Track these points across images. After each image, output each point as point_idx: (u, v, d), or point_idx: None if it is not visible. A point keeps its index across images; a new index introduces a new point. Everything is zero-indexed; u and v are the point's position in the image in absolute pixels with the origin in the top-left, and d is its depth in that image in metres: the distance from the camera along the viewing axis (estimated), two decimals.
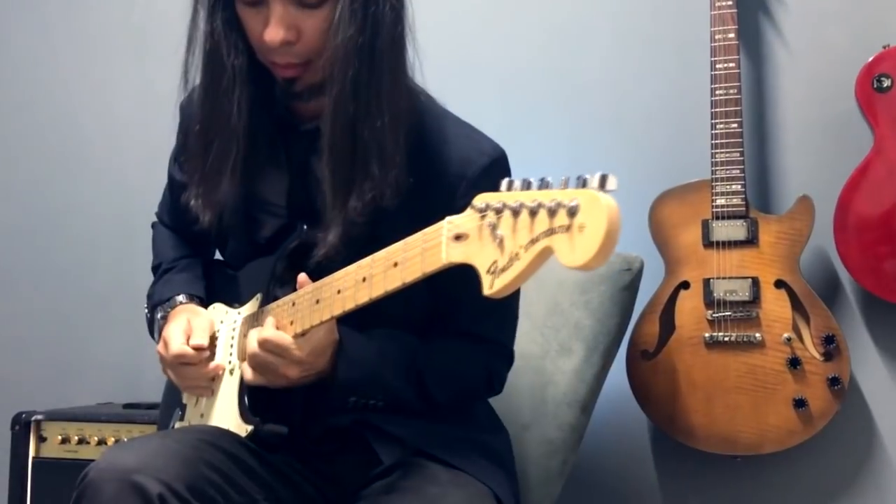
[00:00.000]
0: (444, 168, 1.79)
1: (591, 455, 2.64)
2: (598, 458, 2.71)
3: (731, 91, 2.47)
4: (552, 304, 2.34)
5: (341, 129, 1.72)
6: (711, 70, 2.49)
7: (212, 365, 1.88)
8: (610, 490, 2.76)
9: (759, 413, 2.45)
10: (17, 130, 3.41)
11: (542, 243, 1.27)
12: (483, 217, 1.36)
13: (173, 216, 2.14)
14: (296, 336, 1.71)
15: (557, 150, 2.77)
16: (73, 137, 3.35)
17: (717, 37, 2.49)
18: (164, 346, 1.88)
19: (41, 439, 2.72)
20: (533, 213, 1.28)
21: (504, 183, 1.35)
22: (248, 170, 1.84)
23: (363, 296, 1.60)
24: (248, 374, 1.76)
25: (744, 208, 2.47)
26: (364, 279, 1.59)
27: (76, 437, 2.70)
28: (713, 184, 2.48)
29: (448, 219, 1.43)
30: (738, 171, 2.46)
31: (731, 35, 2.48)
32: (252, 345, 1.73)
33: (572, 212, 1.23)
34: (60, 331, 3.32)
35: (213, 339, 1.91)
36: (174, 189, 2.09)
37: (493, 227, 1.33)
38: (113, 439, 2.67)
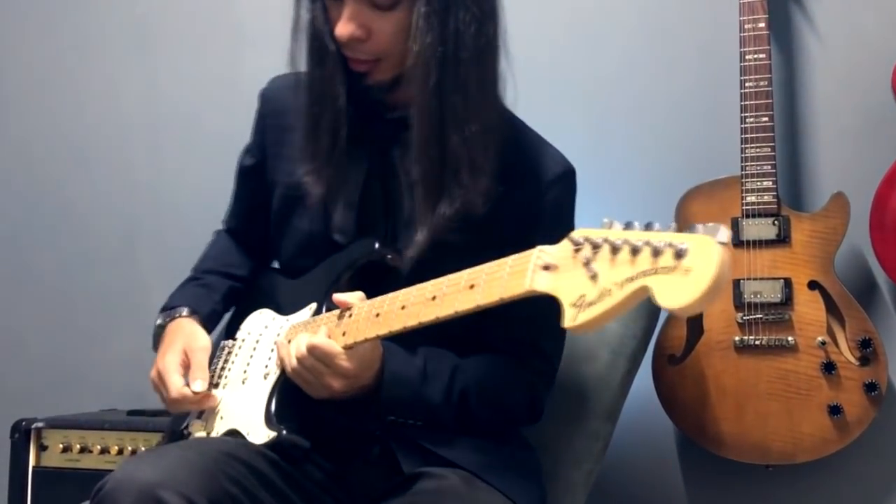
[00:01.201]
0: (524, 178, 1.87)
1: (616, 465, 2.61)
2: (623, 467, 2.70)
3: (762, 83, 2.45)
4: None
5: (429, 134, 1.79)
6: (741, 61, 2.47)
7: (207, 401, 1.92)
8: (636, 501, 2.75)
9: (792, 420, 2.44)
10: (18, 125, 3.42)
11: (639, 282, 1.27)
12: (578, 250, 1.37)
13: (239, 213, 2.19)
14: (346, 347, 1.73)
15: (578, 145, 2.75)
16: (75, 133, 3.35)
17: (746, 26, 2.47)
18: (161, 381, 1.92)
19: (42, 448, 2.70)
20: (635, 251, 1.29)
21: (605, 221, 1.37)
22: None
23: (429, 314, 1.60)
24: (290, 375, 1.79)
25: (775, 206, 2.45)
26: (434, 297, 1.60)
27: (78, 446, 2.68)
28: (743, 180, 2.46)
29: (540, 248, 1.44)
30: (769, 167, 2.44)
31: (762, 24, 2.46)
32: (301, 348, 1.75)
33: (680, 254, 1.24)
34: (62, 333, 3.31)
35: (252, 342, 1.96)
36: (245, 179, 2.15)
37: (588, 262, 1.34)
38: (117, 448, 2.66)
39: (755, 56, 2.45)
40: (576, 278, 1.34)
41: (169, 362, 1.91)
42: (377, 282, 1.80)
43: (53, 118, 3.36)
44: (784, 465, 2.48)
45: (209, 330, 2.02)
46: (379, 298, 1.71)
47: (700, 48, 2.74)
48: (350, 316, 1.74)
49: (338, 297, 1.77)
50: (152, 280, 3.12)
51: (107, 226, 3.29)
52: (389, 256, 1.85)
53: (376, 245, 1.86)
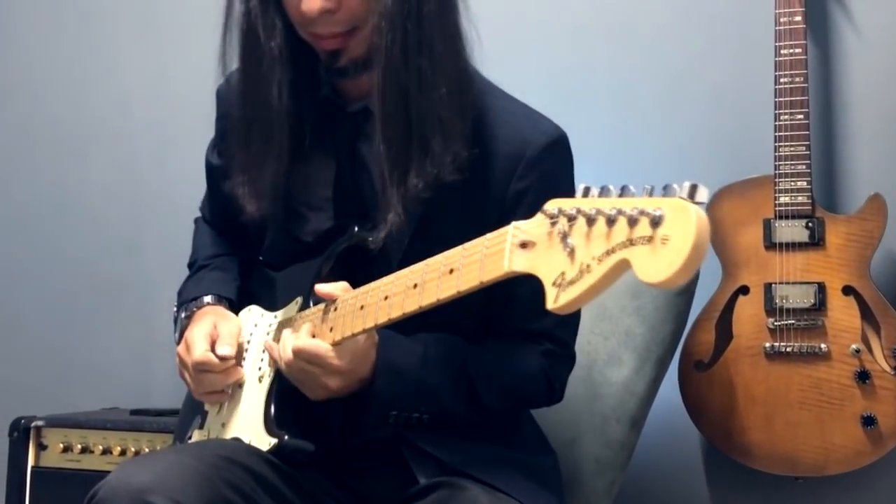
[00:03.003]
0: (501, 148, 1.80)
1: (640, 475, 2.60)
2: (647, 477, 2.68)
3: (797, 79, 2.44)
4: (600, 310, 2.31)
5: (394, 101, 1.73)
6: (776, 56, 2.46)
7: (234, 373, 1.87)
8: None
9: (824, 431, 2.43)
10: (19, 116, 3.42)
11: (618, 255, 1.23)
12: (554, 224, 1.33)
13: (214, 209, 2.17)
14: (334, 344, 1.70)
15: (603, 141, 2.78)
16: (77, 123, 3.35)
17: (781, 20, 2.46)
18: (186, 350, 1.87)
19: (41, 447, 2.70)
20: (611, 221, 1.24)
21: (580, 189, 1.34)
22: (292, 157, 1.86)
23: (412, 304, 1.57)
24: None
25: (809, 207, 2.44)
26: (415, 285, 1.57)
27: (79, 446, 2.67)
28: (776, 180, 2.45)
29: (514, 224, 1.41)
30: (803, 167, 2.43)
31: (798, 18, 2.45)
32: (287, 353, 1.73)
33: (656, 222, 1.19)
34: (63, 329, 3.31)
35: (240, 346, 1.91)
36: (213, 178, 2.12)
37: (565, 236, 1.30)
38: (119, 448, 2.65)
39: (791, 51, 2.44)
40: (554, 255, 1.31)
41: (197, 332, 1.87)
42: (363, 268, 1.77)
43: (56, 109, 3.36)
44: (814, 477, 2.47)
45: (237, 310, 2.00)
46: (363, 289, 1.69)
47: (733, 42, 2.73)
48: (335, 309, 1.72)
49: (320, 288, 1.75)
50: (158, 274, 3.13)
51: (111, 216, 3.29)
52: (370, 239, 1.81)
53: (356, 229, 1.82)
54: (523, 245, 1.38)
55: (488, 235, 1.46)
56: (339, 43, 1.77)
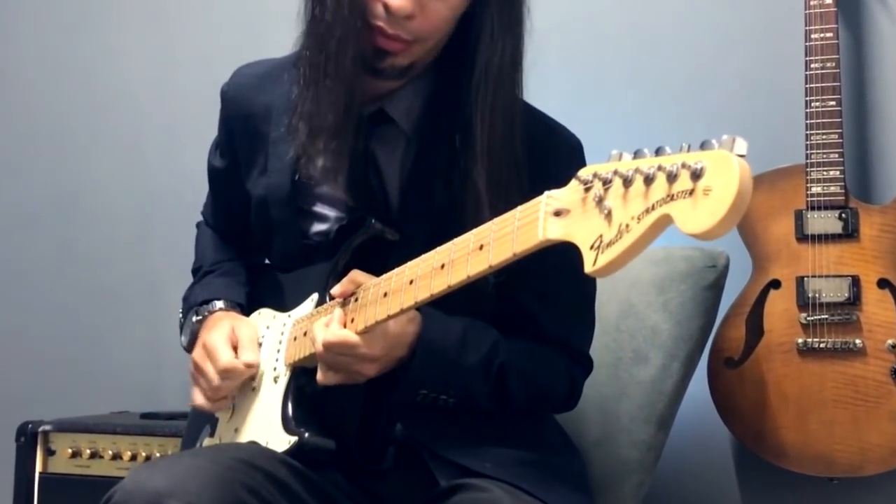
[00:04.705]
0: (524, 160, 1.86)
1: (669, 477, 2.60)
2: (676, 480, 2.68)
3: (829, 64, 2.44)
4: (626, 306, 2.32)
5: (495, 151, 1.81)
6: (806, 40, 2.46)
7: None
8: None
9: (860, 430, 2.42)
10: (23, 111, 3.44)
11: (658, 212, 1.25)
12: (588, 189, 1.35)
13: (216, 213, 2.19)
14: (360, 333, 1.71)
15: (623, 127, 2.77)
16: (83, 118, 3.37)
17: (812, 3, 2.46)
18: (206, 356, 1.89)
19: (49, 452, 2.70)
20: (649, 179, 1.26)
21: (613, 153, 1.35)
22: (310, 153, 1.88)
23: (440, 284, 1.57)
24: (321, 376, 1.76)
25: (842, 197, 2.44)
26: (442, 266, 1.58)
27: (88, 451, 2.68)
28: (808, 169, 2.45)
29: (547, 193, 1.42)
30: (836, 156, 2.43)
31: (829, 1, 2.45)
32: (317, 346, 1.74)
33: (697, 174, 1.21)
34: (70, 331, 3.32)
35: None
36: (216, 181, 2.14)
37: (601, 200, 1.32)
38: (130, 453, 2.65)
39: (822, 35, 2.44)
40: (590, 219, 1.33)
41: (216, 337, 1.90)
42: (380, 263, 1.78)
43: (59, 106, 3.39)
44: (850, 478, 2.47)
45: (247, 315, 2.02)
46: (385, 276, 1.70)
47: (761, 26, 2.73)
48: (356, 300, 1.73)
49: (334, 291, 1.78)
50: (167, 275, 3.15)
51: (118, 218, 3.30)
52: (388, 230, 1.84)
53: (373, 221, 1.85)
54: (557, 213, 1.39)
55: (520, 207, 1.47)
56: (397, 47, 1.80)
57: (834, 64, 2.43)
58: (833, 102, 2.42)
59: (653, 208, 1.25)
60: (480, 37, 1.81)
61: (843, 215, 2.43)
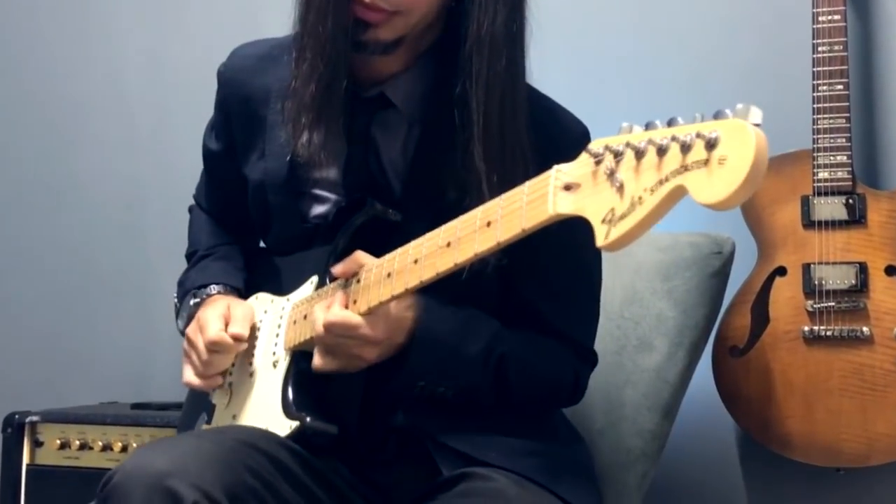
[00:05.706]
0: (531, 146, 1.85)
1: (673, 466, 2.58)
2: (680, 469, 2.67)
3: (836, 48, 2.44)
4: (630, 293, 2.32)
5: (493, 126, 1.77)
6: (813, 23, 2.46)
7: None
8: None
9: (867, 419, 2.42)
10: (11, 97, 3.44)
11: (672, 182, 1.25)
12: (599, 162, 1.34)
13: (211, 196, 2.18)
14: (363, 314, 1.70)
15: (634, 115, 2.71)
16: (73, 103, 3.36)
17: None
18: (199, 330, 1.89)
19: (37, 444, 2.71)
20: (662, 150, 1.26)
21: (624, 126, 1.35)
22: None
23: (446, 262, 1.56)
24: (318, 361, 1.76)
25: (850, 183, 2.44)
26: (448, 244, 1.57)
27: (77, 442, 2.68)
28: (815, 154, 2.45)
29: (556, 167, 1.42)
30: (843, 140, 2.43)
31: None
32: (318, 327, 1.73)
33: (711, 144, 1.21)
34: (58, 320, 3.32)
35: (253, 330, 1.93)
36: (211, 163, 2.13)
37: (612, 173, 1.32)
38: (120, 444, 2.65)
39: (829, 17, 2.44)
40: (601, 193, 1.33)
41: (210, 313, 1.90)
42: (381, 245, 1.77)
43: (49, 91, 3.38)
44: (857, 468, 2.47)
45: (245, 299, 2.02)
46: (388, 256, 1.69)
47: (768, 9, 2.72)
48: (358, 281, 1.73)
49: (336, 269, 1.77)
50: (158, 262, 3.15)
51: (108, 204, 3.30)
52: (390, 211, 1.83)
53: (375, 203, 1.83)
54: (567, 188, 1.39)
55: (528, 182, 1.46)
56: (376, 17, 1.76)
57: (842, 47, 2.43)
58: (841, 86, 2.42)
59: (666, 179, 1.25)
60: (472, 5, 1.77)
61: (851, 201, 2.43)
